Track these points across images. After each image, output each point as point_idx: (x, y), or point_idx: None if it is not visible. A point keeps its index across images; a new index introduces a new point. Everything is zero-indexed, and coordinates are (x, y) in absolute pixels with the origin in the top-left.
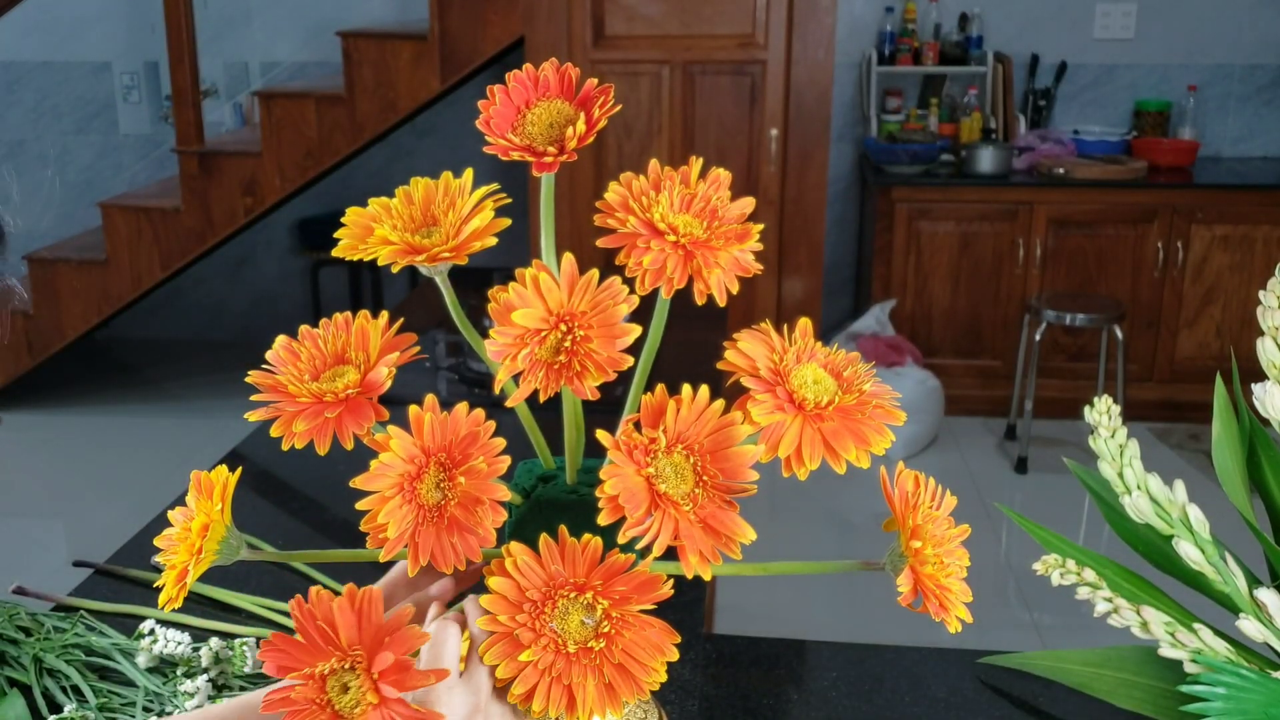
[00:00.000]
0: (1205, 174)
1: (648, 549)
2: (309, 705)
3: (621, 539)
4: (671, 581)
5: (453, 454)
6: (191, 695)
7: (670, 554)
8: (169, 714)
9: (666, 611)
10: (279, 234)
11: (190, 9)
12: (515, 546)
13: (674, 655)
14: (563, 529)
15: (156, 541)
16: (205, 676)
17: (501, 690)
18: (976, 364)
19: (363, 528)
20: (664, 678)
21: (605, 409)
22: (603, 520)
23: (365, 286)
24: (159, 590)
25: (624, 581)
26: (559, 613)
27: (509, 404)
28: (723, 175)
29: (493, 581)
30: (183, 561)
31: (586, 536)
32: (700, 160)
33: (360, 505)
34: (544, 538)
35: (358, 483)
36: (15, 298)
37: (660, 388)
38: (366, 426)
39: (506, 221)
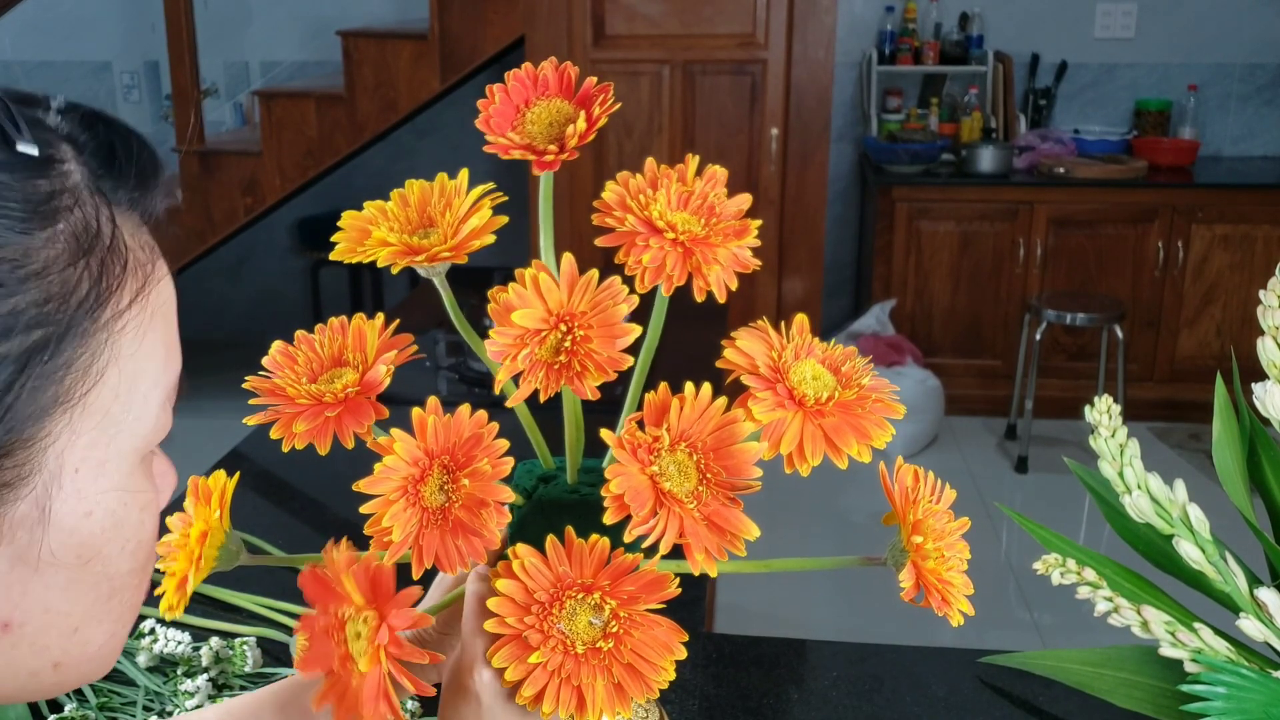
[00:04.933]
0: (1205, 173)
1: (653, 548)
2: (326, 637)
3: (628, 538)
4: (678, 580)
5: (456, 456)
6: (192, 695)
7: (674, 552)
8: (169, 713)
9: (667, 610)
10: (279, 234)
11: (190, 9)
12: (522, 548)
13: (682, 654)
14: (569, 530)
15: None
16: (205, 676)
17: None
18: (977, 363)
19: (367, 531)
20: (673, 676)
21: (604, 408)
22: (609, 519)
23: (365, 286)
24: (159, 592)
25: (632, 581)
26: (567, 614)
27: (509, 404)
28: (719, 172)
29: (500, 584)
30: (182, 569)
31: (594, 537)
32: (696, 158)
33: (365, 509)
34: (551, 539)
35: (361, 486)
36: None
37: (663, 386)
38: (366, 425)
39: (504, 220)
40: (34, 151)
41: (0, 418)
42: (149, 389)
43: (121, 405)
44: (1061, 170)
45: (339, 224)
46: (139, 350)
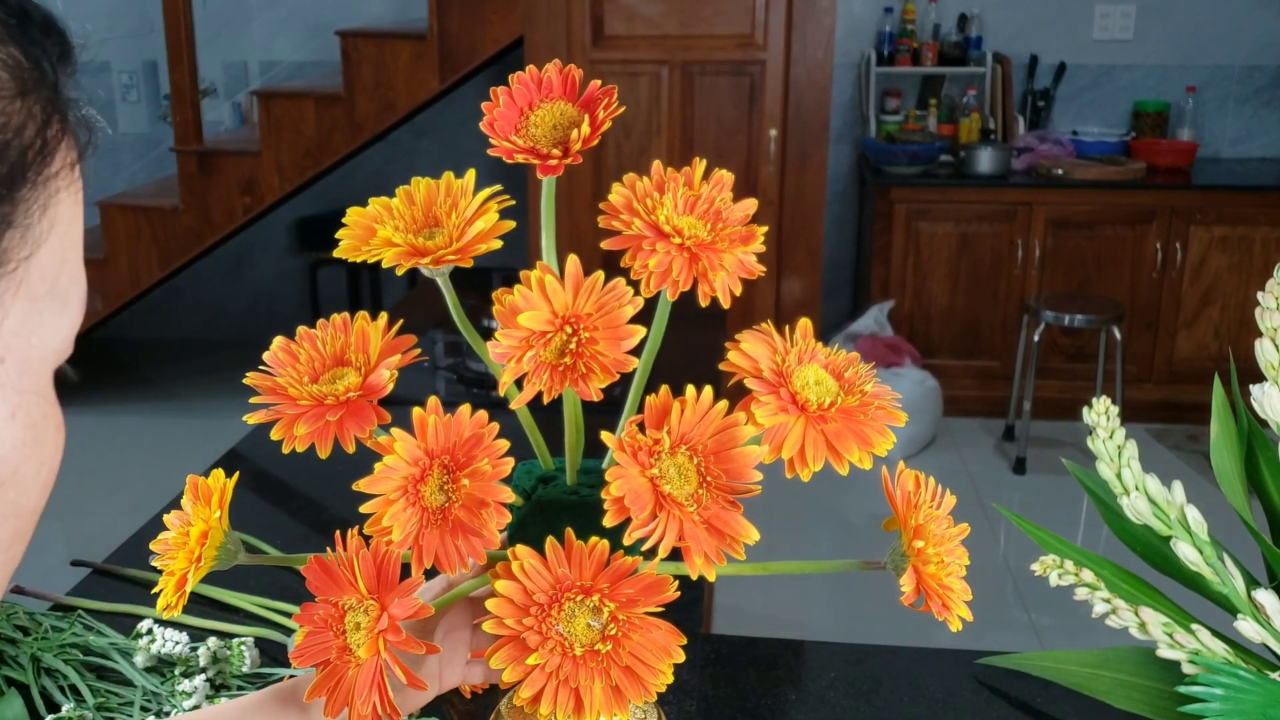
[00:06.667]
0: (1204, 175)
1: (652, 550)
2: (325, 628)
3: (627, 541)
4: (677, 583)
5: (456, 456)
6: (189, 695)
7: (673, 555)
8: (167, 714)
9: (665, 612)
10: (277, 233)
11: (189, 8)
12: (521, 550)
13: (680, 657)
14: (569, 532)
15: (152, 546)
16: (203, 676)
17: None
18: (975, 364)
19: (367, 530)
20: (670, 679)
21: (604, 409)
22: (609, 522)
23: (364, 286)
24: (157, 591)
25: (631, 584)
26: (565, 615)
27: (513, 406)
28: (726, 177)
29: (499, 585)
30: (181, 569)
31: (594, 540)
32: (703, 161)
33: (365, 508)
34: (550, 541)
35: (361, 486)
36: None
37: (664, 389)
38: (368, 430)
39: (511, 224)
40: None
41: None
42: (71, 283)
43: (49, 292)
44: (1060, 171)
45: (343, 221)
46: (70, 232)
